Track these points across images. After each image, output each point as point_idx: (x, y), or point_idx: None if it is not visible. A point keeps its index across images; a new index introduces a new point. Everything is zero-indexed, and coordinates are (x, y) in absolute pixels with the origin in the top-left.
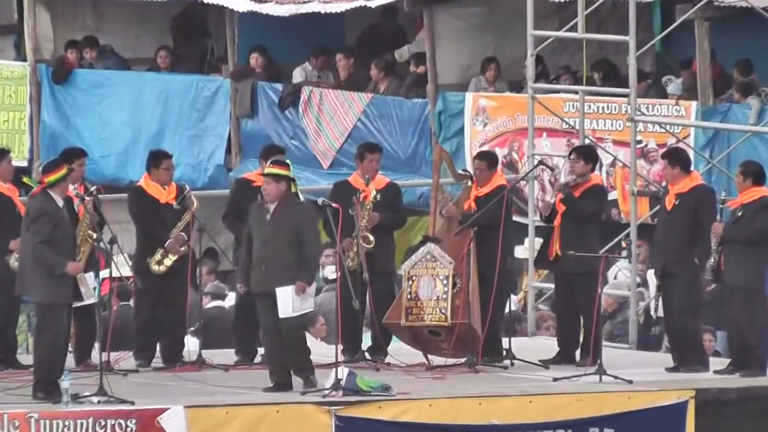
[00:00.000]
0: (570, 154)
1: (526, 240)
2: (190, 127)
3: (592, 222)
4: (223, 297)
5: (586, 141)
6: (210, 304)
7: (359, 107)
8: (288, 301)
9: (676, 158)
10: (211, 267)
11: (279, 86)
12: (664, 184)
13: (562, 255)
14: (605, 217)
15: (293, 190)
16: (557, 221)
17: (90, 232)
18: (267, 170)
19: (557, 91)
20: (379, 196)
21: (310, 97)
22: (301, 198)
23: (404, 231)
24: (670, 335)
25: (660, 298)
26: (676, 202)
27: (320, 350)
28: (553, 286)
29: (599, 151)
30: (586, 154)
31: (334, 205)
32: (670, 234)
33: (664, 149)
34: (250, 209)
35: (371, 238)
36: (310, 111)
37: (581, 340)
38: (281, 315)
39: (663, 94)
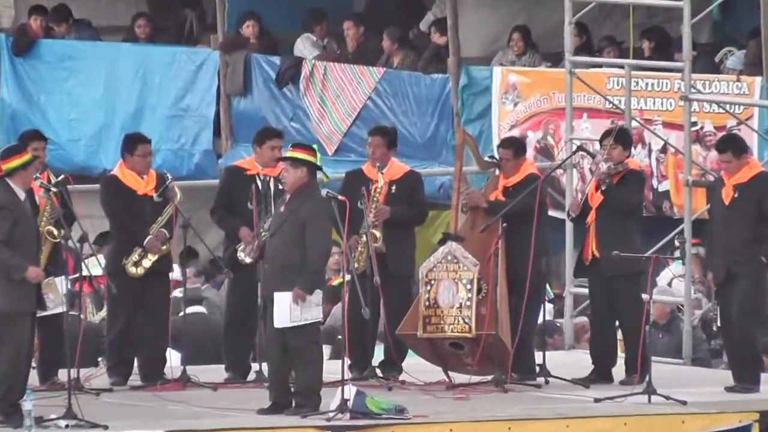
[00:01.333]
0: (603, 138)
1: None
2: (173, 107)
3: (633, 216)
4: (200, 301)
5: (633, 123)
6: (186, 310)
7: (370, 84)
8: (285, 309)
9: (730, 144)
10: (194, 269)
11: (276, 59)
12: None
13: (601, 256)
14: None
15: (324, 179)
16: (591, 217)
17: (51, 228)
18: (286, 153)
19: (599, 65)
20: (394, 187)
21: (313, 72)
22: (323, 192)
23: (422, 228)
24: (728, 348)
25: (718, 307)
26: (735, 195)
27: (324, 366)
28: None
29: (648, 135)
30: (625, 139)
31: (340, 197)
32: (730, 232)
33: (722, 135)
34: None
35: (378, 235)
36: (312, 88)
37: (626, 354)
38: (276, 324)
39: (714, 68)
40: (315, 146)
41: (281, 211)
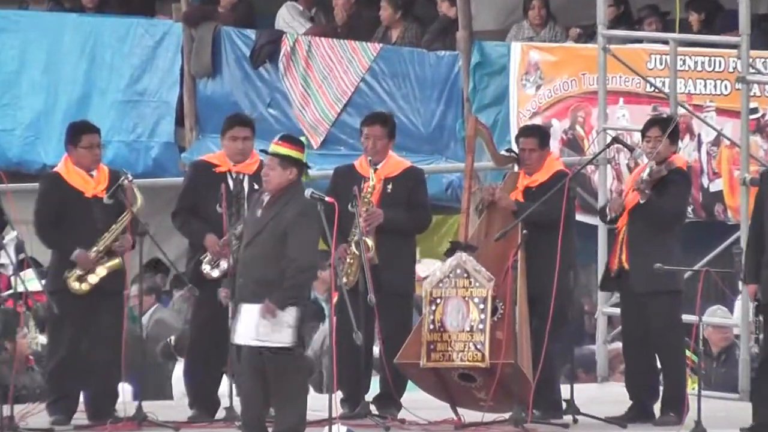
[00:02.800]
0: (646, 129)
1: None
2: (126, 90)
3: (677, 221)
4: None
5: (680, 110)
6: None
7: (363, 63)
8: (250, 324)
9: None
10: (151, 284)
11: (251, 33)
12: None
13: (631, 269)
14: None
15: (305, 178)
16: (622, 220)
17: None
18: (274, 148)
19: (639, 40)
20: (391, 186)
21: (295, 49)
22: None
23: (426, 235)
24: None
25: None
26: None
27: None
28: None
29: (697, 124)
30: (672, 129)
31: (327, 198)
32: None
33: None
34: (251, 200)
35: (370, 243)
36: (294, 68)
37: (663, 387)
38: (236, 339)
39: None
40: (304, 139)
41: (258, 216)
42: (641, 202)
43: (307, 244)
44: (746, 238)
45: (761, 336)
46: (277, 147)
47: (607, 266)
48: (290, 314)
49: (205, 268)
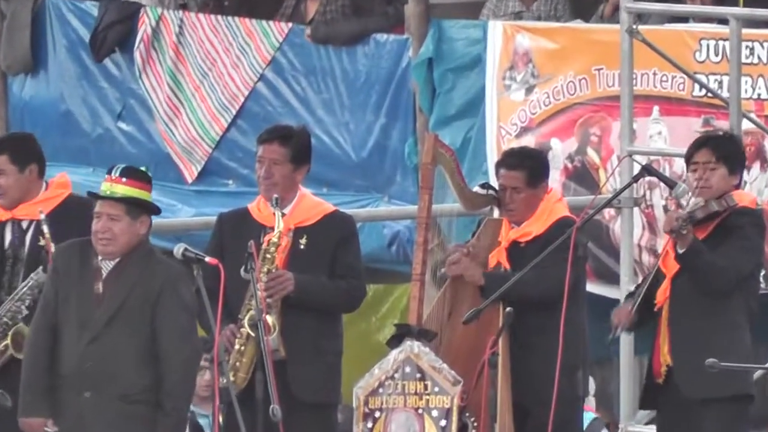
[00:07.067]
0: (694, 151)
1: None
2: None
3: (740, 294)
4: None
5: (745, 124)
6: None
7: (263, 53)
8: None
9: None
10: None
11: (92, 6)
12: None
13: (677, 367)
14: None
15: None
16: (662, 294)
17: None
18: (116, 189)
19: (684, 19)
20: (305, 239)
21: (159, 31)
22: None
23: (358, 315)
24: None
25: None
26: None
27: None
28: None
29: None
30: (731, 153)
31: (207, 259)
32: None
33: None
34: (55, 258)
35: (270, 322)
36: (158, 60)
37: None
38: None
39: None
40: (146, 169)
41: (97, 292)
42: (680, 251)
43: (188, 335)
44: None
45: None
46: (120, 187)
47: (649, 369)
48: None
49: None
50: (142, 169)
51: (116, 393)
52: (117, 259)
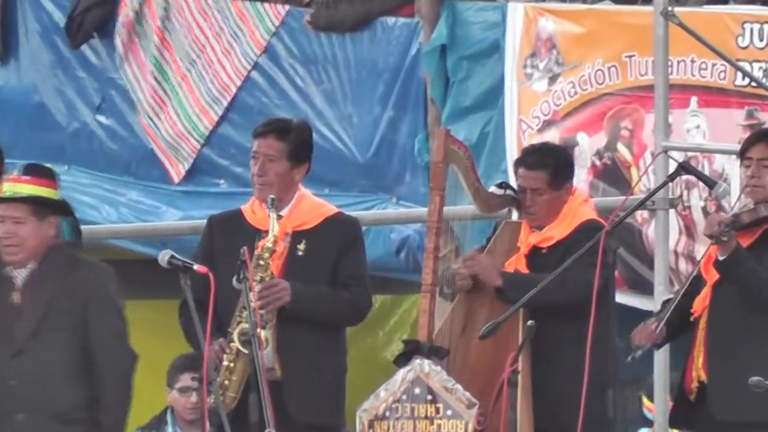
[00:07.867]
0: (748, 147)
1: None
2: None
3: None
4: None
5: None
6: None
7: (258, 38)
8: None
9: None
10: None
11: None
12: None
13: (711, 384)
14: None
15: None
16: (701, 303)
17: None
18: (17, 189)
19: (725, 0)
20: (304, 244)
21: (143, 15)
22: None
23: (363, 329)
24: None
25: None
26: None
27: None
28: None
29: None
30: None
31: (196, 267)
32: None
33: None
34: None
35: (263, 337)
36: (141, 47)
37: None
38: None
39: None
40: (51, 167)
41: (13, 303)
42: (720, 258)
43: (124, 340)
44: None
45: None
46: (24, 186)
47: (682, 385)
48: None
49: None
50: (47, 165)
51: (49, 412)
52: (31, 266)
